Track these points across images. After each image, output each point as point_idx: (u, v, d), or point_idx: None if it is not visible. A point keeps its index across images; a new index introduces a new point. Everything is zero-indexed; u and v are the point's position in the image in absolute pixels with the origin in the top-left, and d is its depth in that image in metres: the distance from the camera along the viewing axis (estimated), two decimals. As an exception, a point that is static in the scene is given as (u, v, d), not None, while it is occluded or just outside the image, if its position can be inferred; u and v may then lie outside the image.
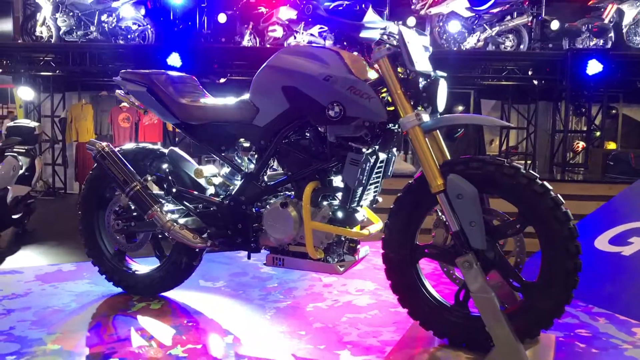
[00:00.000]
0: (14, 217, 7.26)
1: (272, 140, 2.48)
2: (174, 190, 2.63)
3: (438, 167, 2.21)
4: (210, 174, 2.68)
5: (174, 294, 2.91)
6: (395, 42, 2.27)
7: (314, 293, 3.01)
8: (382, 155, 2.43)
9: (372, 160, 2.31)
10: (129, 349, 2.25)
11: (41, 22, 10.05)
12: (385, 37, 2.30)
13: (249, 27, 10.12)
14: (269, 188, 2.52)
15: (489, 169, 2.17)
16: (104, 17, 9.89)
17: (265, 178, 2.55)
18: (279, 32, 10.49)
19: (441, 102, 2.30)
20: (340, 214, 2.40)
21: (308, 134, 2.43)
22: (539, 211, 2.13)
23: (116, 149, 2.75)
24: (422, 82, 2.26)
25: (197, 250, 2.73)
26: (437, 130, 2.47)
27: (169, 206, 2.68)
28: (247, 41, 9.96)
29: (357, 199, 2.39)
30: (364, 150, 2.31)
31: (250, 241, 2.56)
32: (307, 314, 2.69)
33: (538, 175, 2.18)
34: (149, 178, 2.67)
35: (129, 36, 9.88)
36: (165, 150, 2.80)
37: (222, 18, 8.83)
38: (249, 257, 2.66)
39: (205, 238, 2.55)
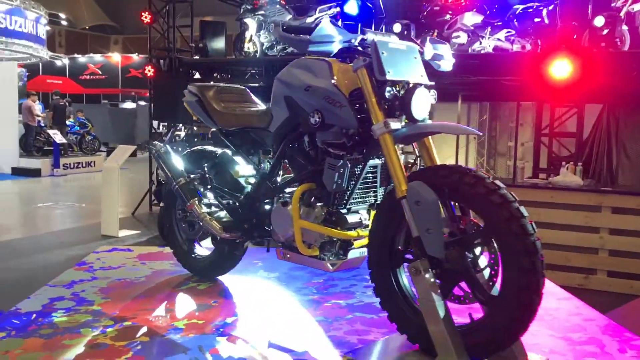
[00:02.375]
0: None
1: (280, 145, 2.73)
2: (209, 186, 3.02)
3: (404, 173, 2.25)
4: (249, 174, 3.01)
5: (230, 279, 3.29)
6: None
7: (348, 292, 3.15)
8: (374, 162, 2.51)
9: (350, 166, 2.43)
10: (148, 316, 2.70)
11: (248, 39, 11.34)
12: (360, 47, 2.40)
13: (434, 35, 10.20)
14: (278, 188, 2.76)
15: (453, 178, 2.15)
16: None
17: (278, 179, 2.81)
18: (463, 38, 10.35)
19: (419, 110, 2.32)
20: (329, 216, 2.54)
21: (305, 140, 2.63)
22: (495, 222, 2.07)
23: (187, 150, 3.24)
24: (394, 91, 2.31)
25: (237, 241, 3.07)
26: (429, 138, 2.48)
27: (211, 200, 3.08)
28: (431, 49, 10.06)
29: (344, 202, 2.52)
30: (343, 156, 2.43)
31: (263, 235, 2.83)
32: (323, 307, 2.88)
33: (502, 186, 2.10)
34: (192, 175, 3.09)
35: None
36: (219, 152, 3.20)
37: (397, 28, 9.05)
38: (267, 250, 2.93)
39: (229, 229, 2.89)
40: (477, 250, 2.22)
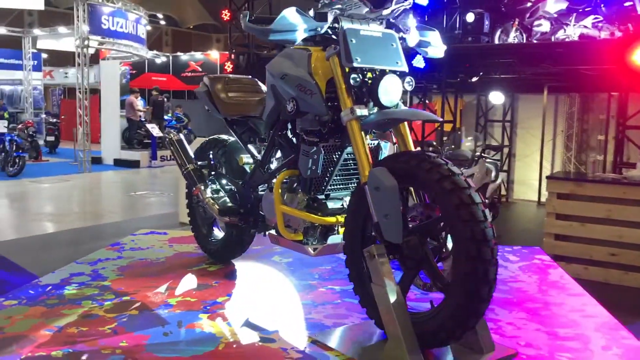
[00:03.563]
0: None
1: (270, 133, 2.81)
2: (213, 172, 3.17)
3: (369, 160, 2.27)
4: (251, 162, 3.13)
5: (243, 262, 3.43)
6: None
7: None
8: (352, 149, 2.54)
9: (325, 152, 2.47)
10: (148, 292, 2.89)
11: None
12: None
13: (515, 24, 9.84)
14: (270, 174, 2.85)
15: (412, 163, 2.15)
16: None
17: (272, 166, 2.89)
18: (545, 26, 9.90)
19: (386, 97, 2.32)
20: (310, 202, 2.60)
21: (288, 127, 2.70)
22: (446, 208, 2.05)
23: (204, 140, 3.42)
24: (360, 78, 2.32)
25: (241, 226, 3.19)
26: (405, 123, 2.48)
27: (217, 186, 3.22)
28: (512, 38, 9.71)
29: (322, 188, 2.57)
30: (317, 142, 2.48)
31: (258, 220, 2.94)
32: (316, 291, 2.94)
33: (457, 172, 2.07)
34: (200, 162, 3.25)
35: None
36: (229, 141, 3.34)
37: (470, 17, 8.84)
38: (264, 235, 3.03)
39: (226, 213, 3.02)
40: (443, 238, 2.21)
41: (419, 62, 8.64)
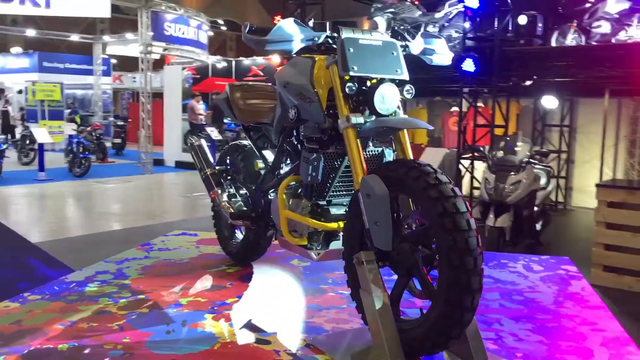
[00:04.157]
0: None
1: (280, 139, 2.88)
2: (228, 177, 3.27)
3: (363, 167, 2.30)
4: (264, 167, 3.20)
5: (262, 264, 3.51)
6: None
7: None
8: None
9: (325, 159, 2.51)
10: (163, 292, 3.00)
11: (379, 37, 11.46)
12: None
13: (573, 25, 9.54)
14: (279, 180, 2.91)
15: (400, 171, 2.16)
16: (429, 28, 10.70)
17: (282, 171, 2.95)
18: (605, 27, 9.54)
19: (382, 105, 2.34)
20: (313, 207, 2.64)
21: (294, 134, 2.76)
22: (431, 217, 2.05)
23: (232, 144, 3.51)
24: (356, 87, 2.35)
25: (253, 228, 3.25)
26: (404, 131, 2.48)
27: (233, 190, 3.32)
28: (570, 40, 9.43)
29: (324, 194, 2.61)
30: (317, 149, 2.52)
31: (269, 224, 3.00)
32: (325, 296, 2.98)
33: (444, 181, 2.07)
34: (217, 167, 3.35)
35: (448, 44, 10.47)
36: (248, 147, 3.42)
37: (522, 20, 8.62)
38: (275, 239, 3.09)
39: (238, 216, 3.11)
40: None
41: (468, 66, 8.53)
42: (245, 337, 2.45)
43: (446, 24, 10.57)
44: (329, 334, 2.50)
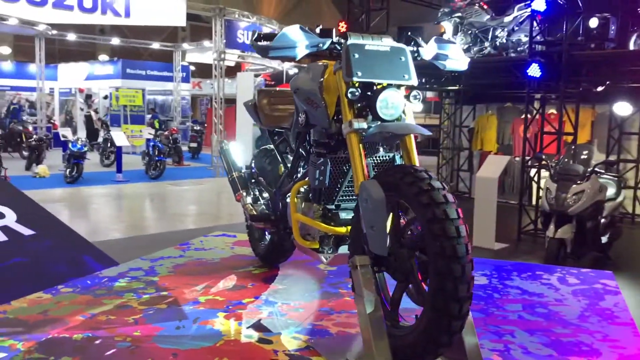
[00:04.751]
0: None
1: (296, 143, 2.92)
2: (253, 180, 3.35)
3: (364, 172, 2.30)
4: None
5: (288, 266, 3.57)
6: None
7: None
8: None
9: (332, 164, 2.54)
10: (186, 290, 3.11)
11: (446, 42, 11.29)
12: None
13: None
14: (294, 184, 2.95)
15: (397, 177, 2.16)
16: (498, 33, 10.44)
17: (298, 175, 2.99)
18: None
19: (385, 110, 2.33)
20: (324, 211, 2.67)
21: (306, 138, 2.79)
22: (422, 223, 2.04)
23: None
24: (359, 92, 2.35)
25: (274, 230, 3.30)
26: (411, 137, 2.46)
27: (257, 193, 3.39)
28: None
29: (332, 198, 2.63)
30: (325, 154, 2.55)
31: (287, 227, 3.05)
32: (339, 300, 3.00)
33: (437, 187, 2.05)
34: (243, 171, 3.44)
35: (518, 49, 10.17)
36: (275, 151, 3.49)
37: (593, 22, 8.24)
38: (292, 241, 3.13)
39: (257, 219, 3.18)
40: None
41: (534, 71, 8.26)
42: (249, 336, 2.51)
43: (515, 28, 10.26)
44: (331, 337, 2.52)
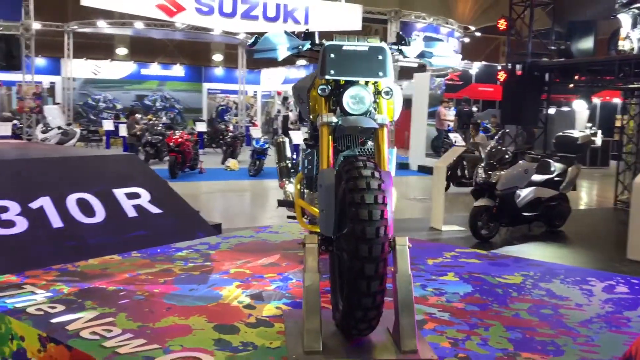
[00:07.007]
0: (525, 215, 8.64)
1: (313, 137, 3.19)
2: (292, 170, 3.67)
3: (329, 162, 2.53)
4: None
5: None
6: None
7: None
8: (347, 152, 2.77)
9: (317, 154, 2.78)
10: (227, 262, 3.55)
11: (623, 36, 10.35)
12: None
13: None
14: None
15: (341, 165, 2.36)
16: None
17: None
18: None
19: (350, 105, 2.51)
20: (314, 196, 2.92)
21: None
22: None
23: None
24: (328, 89, 2.56)
25: None
26: (383, 130, 2.60)
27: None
28: None
29: (321, 186, 2.87)
30: (312, 145, 2.81)
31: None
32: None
33: (366, 175, 2.21)
34: (288, 162, 3.78)
35: None
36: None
37: None
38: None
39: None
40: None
41: None
42: (241, 302, 2.85)
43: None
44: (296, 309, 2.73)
